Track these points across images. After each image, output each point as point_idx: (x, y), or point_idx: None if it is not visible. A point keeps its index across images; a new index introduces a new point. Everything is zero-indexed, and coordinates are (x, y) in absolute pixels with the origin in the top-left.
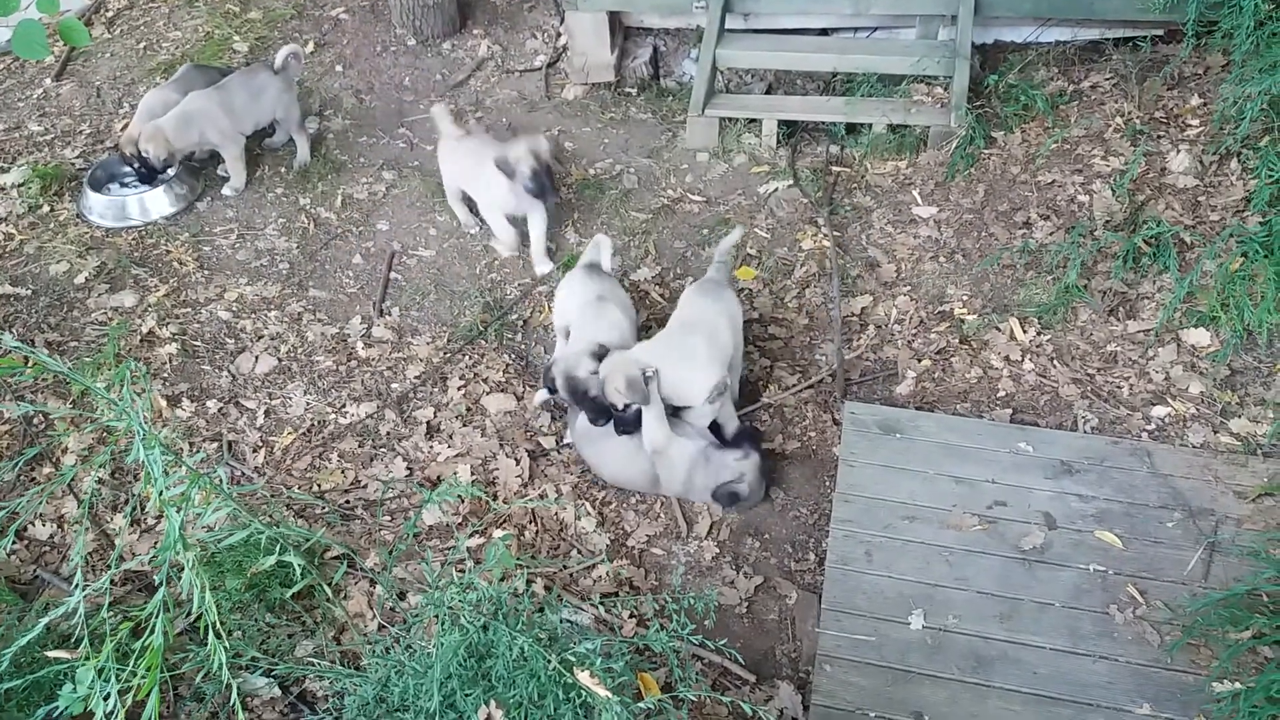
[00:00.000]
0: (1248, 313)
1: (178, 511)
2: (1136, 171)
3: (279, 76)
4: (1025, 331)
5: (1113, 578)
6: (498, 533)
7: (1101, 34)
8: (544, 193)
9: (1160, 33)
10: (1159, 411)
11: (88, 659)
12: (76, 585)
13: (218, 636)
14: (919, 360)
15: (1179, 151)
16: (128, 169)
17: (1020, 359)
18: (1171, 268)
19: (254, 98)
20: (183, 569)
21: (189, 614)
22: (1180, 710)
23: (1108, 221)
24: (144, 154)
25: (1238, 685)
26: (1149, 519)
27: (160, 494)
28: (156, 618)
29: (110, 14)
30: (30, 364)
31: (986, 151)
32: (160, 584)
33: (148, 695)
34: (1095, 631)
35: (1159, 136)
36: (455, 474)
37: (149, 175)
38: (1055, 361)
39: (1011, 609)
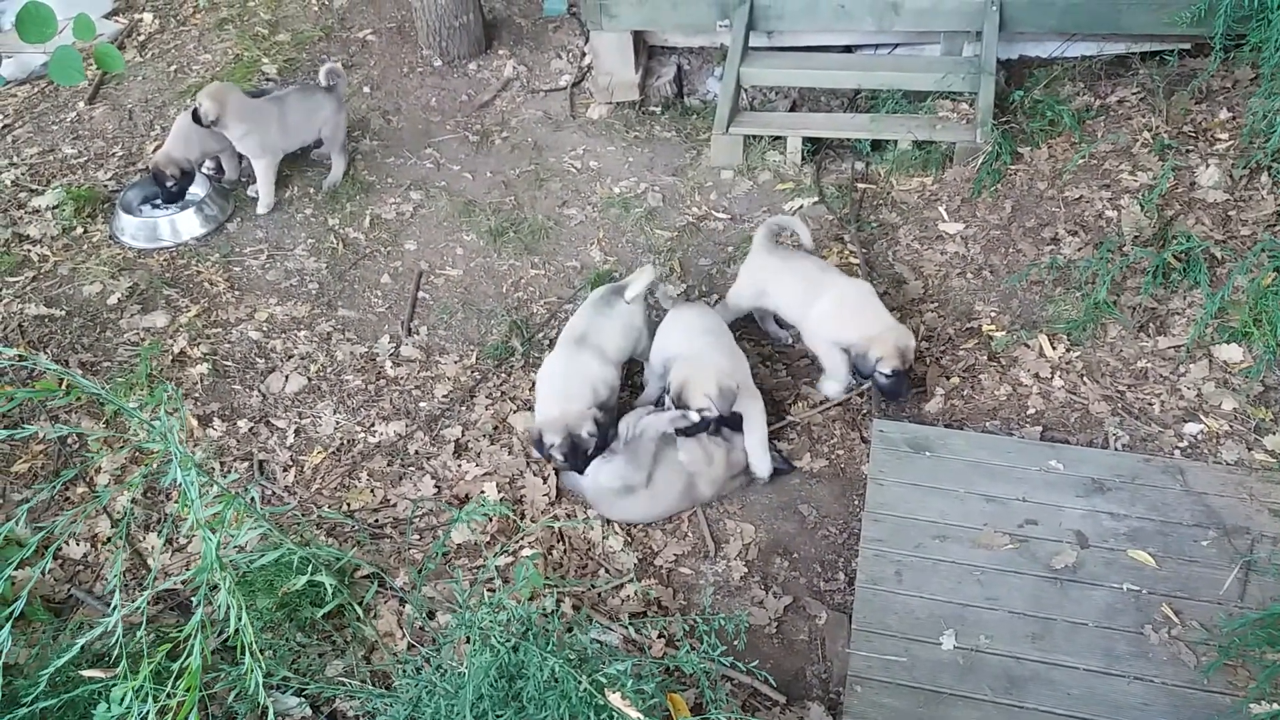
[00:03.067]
0: None
1: (213, 533)
2: (1165, 186)
3: (332, 95)
4: (1054, 348)
5: (1147, 597)
6: (526, 552)
7: (1128, 48)
8: (898, 397)
9: (1187, 46)
10: (1191, 428)
11: (124, 679)
12: (115, 606)
13: (253, 657)
14: (948, 377)
15: (1208, 166)
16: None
17: (1050, 376)
18: (1202, 283)
19: (308, 115)
20: (219, 588)
21: (221, 633)
22: None
23: (1136, 237)
24: (197, 106)
25: (1276, 707)
26: (1183, 538)
27: (196, 515)
28: (195, 639)
29: (142, 38)
30: (65, 385)
31: (1013, 167)
32: (197, 605)
33: (185, 718)
34: (1130, 652)
35: (1187, 151)
36: (483, 492)
37: (176, 195)
38: (1085, 378)
39: (1044, 629)
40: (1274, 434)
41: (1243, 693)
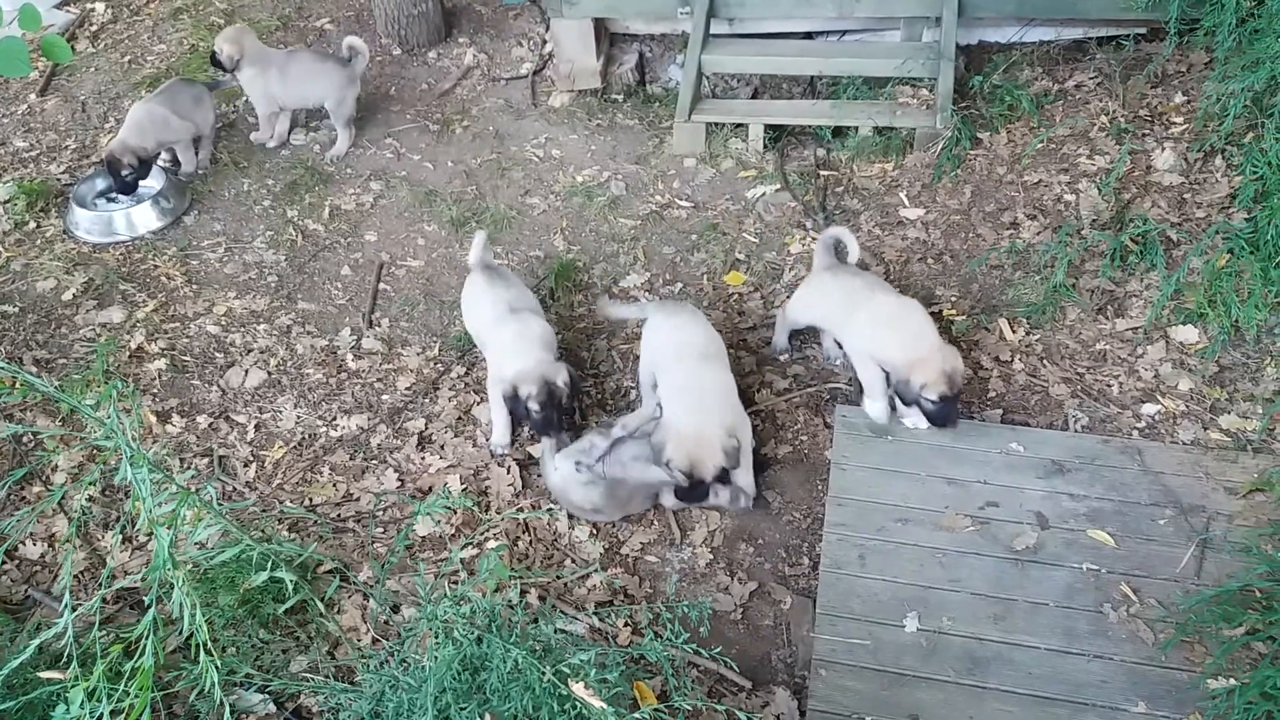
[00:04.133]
0: (1235, 309)
1: (167, 530)
2: (1122, 170)
3: (346, 67)
4: (1014, 331)
5: (1106, 576)
6: (491, 544)
7: (1085, 33)
8: (947, 425)
9: (1143, 31)
10: (1149, 409)
11: (78, 680)
12: (66, 606)
13: (209, 655)
14: None
15: (1164, 149)
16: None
17: (1010, 359)
18: (1158, 265)
19: (311, 78)
20: (173, 587)
21: (182, 631)
22: (1175, 708)
23: (1094, 220)
24: (217, 51)
25: (1232, 682)
26: (1141, 517)
27: (149, 513)
28: (146, 639)
29: (94, 28)
30: (17, 384)
31: (972, 152)
32: (150, 605)
33: (139, 718)
34: (1089, 631)
35: (1144, 134)
36: (446, 485)
37: (131, 186)
38: (1045, 361)
39: (1005, 610)
40: (1228, 413)
41: (1200, 669)
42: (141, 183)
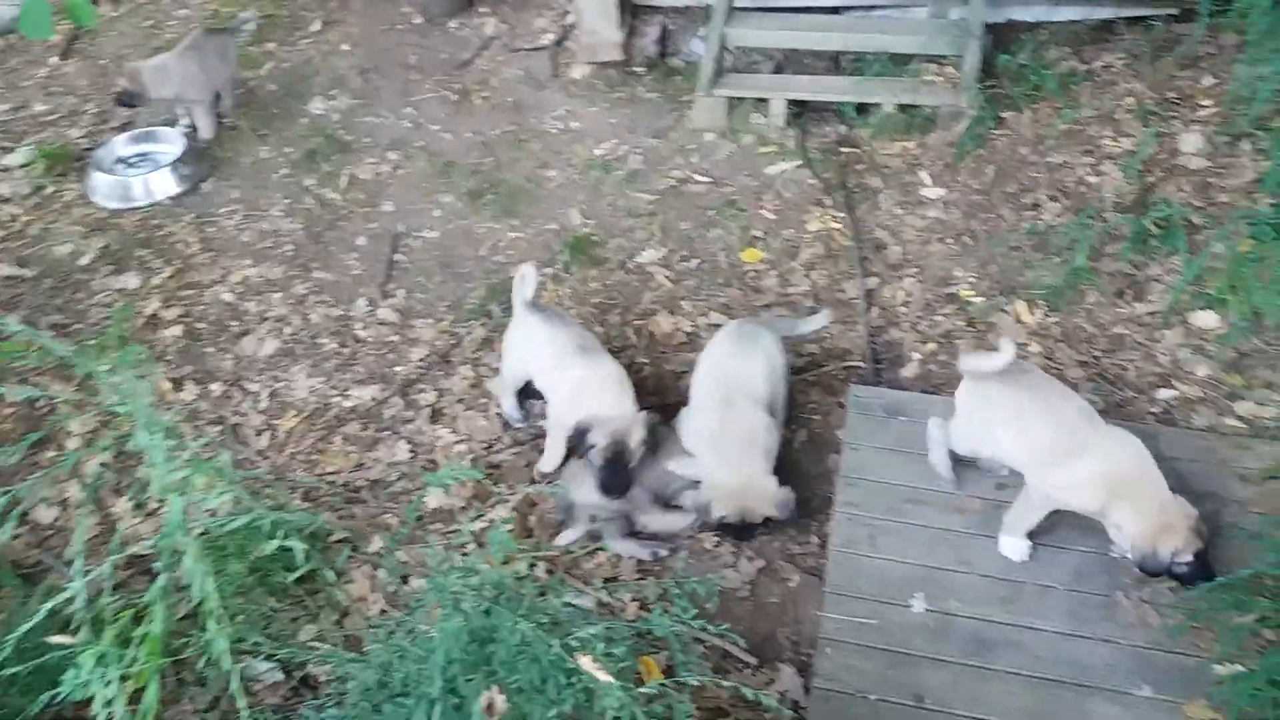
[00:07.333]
0: (1256, 295)
1: (180, 497)
2: (1147, 152)
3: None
4: (1032, 314)
5: (1116, 561)
6: (501, 513)
7: (1114, 13)
8: (1210, 580)
9: (1174, 11)
10: (1165, 394)
11: (88, 645)
12: (76, 572)
13: (218, 624)
14: (924, 343)
15: (1190, 132)
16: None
17: (1027, 341)
18: (1180, 250)
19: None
20: (184, 555)
21: (192, 599)
22: (1181, 692)
23: (1117, 203)
24: None
25: (1239, 668)
26: None
27: (161, 480)
28: (155, 605)
29: None
30: (34, 347)
31: (996, 132)
32: (161, 571)
33: (147, 684)
34: (1097, 615)
35: (1170, 117)
36: (458, 457)
37: (124, 103)
38: (1062, 344)
39: (1014, 592)
40: (1245, 400)
41: (1208, 654)
42: (159, 149)
